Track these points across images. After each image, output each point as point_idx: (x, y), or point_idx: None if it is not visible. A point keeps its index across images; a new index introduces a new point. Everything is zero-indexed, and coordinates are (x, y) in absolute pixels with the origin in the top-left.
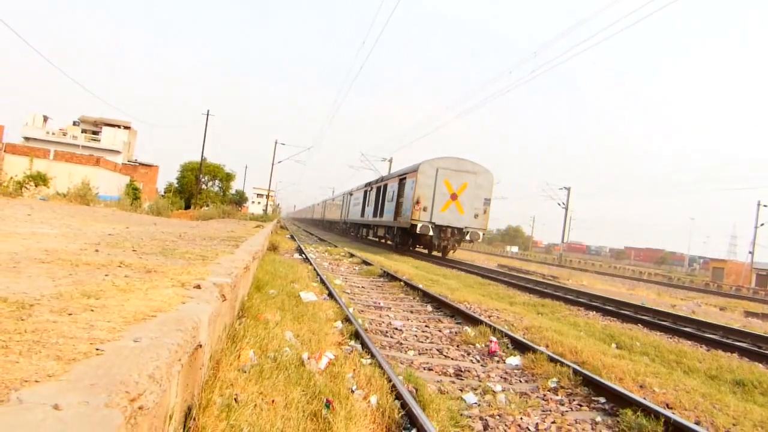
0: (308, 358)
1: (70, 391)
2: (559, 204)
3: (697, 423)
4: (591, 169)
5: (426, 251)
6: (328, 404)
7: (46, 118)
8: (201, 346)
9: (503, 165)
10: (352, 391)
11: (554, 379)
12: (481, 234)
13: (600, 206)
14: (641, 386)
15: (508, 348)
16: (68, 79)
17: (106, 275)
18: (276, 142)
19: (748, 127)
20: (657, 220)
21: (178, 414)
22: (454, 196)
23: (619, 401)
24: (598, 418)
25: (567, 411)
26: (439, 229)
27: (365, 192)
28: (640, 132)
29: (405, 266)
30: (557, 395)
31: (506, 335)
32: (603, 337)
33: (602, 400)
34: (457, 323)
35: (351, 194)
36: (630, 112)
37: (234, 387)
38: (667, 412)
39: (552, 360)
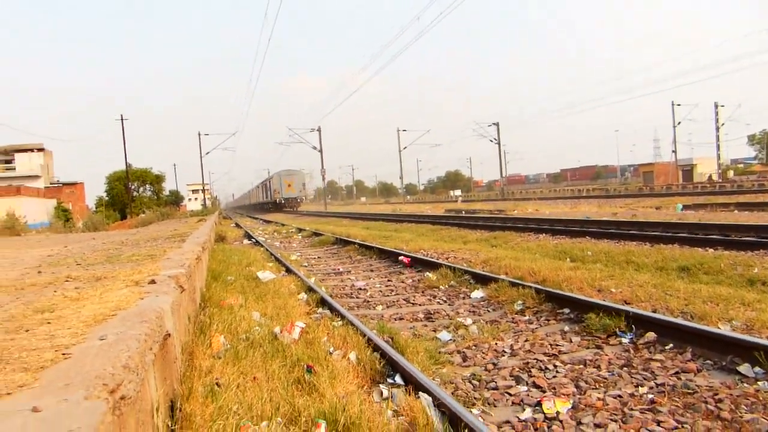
0: (280, 332)
1: (45, 394)
2: (491, 140)
3: (654, 311)
4: (516, 102)
5: (290, 210)
6: (309, 369)
7: None
8: (170, 334)
9: (429, 114)
10: (330, 353)
11: (519, 302)
12: (304, 198)
13: (531, 135)
14: (599, 290)
15: (470, 283)
16: None
17: (55, 291)
18: (200, 134)
19: (653, 33)
20: (585, 138)
21: (163, 406)
22: (289, 185)
23: (581, 308)
24: (566, 328)
25: (537, 328)
26: (285, 199)
27: (262, 186)
28: (552, 58)
29: (355, 230)
30: (525, 316)
31: (467, 272)
32: (556, 254)
33: (567, 310)
34: (417, 271)
35: (258, 187)
36: (539, 39)
37: (212, 373)
38: (626, 307)
39: (513, 285)
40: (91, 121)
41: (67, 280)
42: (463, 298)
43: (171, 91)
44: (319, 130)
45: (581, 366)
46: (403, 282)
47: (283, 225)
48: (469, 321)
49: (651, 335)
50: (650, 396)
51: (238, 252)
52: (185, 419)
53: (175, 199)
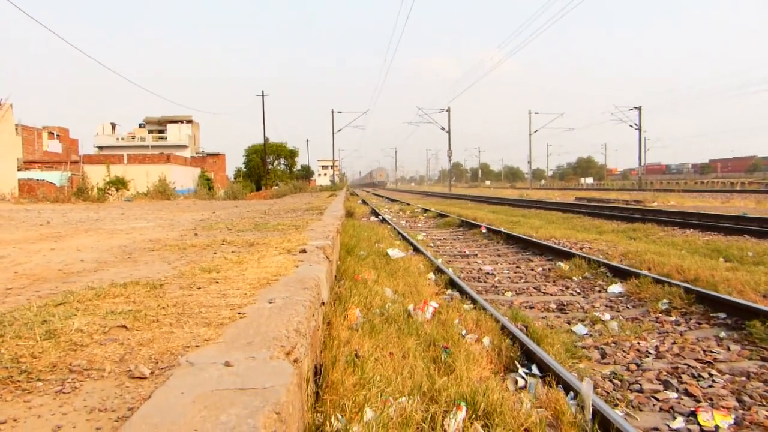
0: (413, 309)
1: (231, 350)
2: (631, 126)
3: None
4: (662, 84)
5: (381, 187)
6: (446, 350)
7: (114, 125)
8: (324, 304)
9: (562, 97)
10: (463, 336)
11: (665, 301)
12: (387, 182)
13: (676, 121)
14: (765, 296)
15: (607, 276)
16: (128, 82)
17: (215, 253)
18: (333, 111)
19: None
20: (741, 125)
21: (311, 373)
22: (381, 174)
23: (742, 314)
24: (722, 334)
25: (685, 330)
26: (378, 182)
27: (368, 174)
28: (708, 34)
29: (481, 213)
30: (671, 316)
31: (603, 264)
32: (707, 252)
33: (722, 315)
34: (548, 260)
35: (367, 173)
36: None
37: (350, 344)
38: None
39: (658, 282)
40: (235, 95)
41: (223, 244)
42: (599, 291)
43: (307, 69)
44: (448, 110)
45: (743, 378)
46: (532, 270)
47: (408, 204)
48: (606, 316)
49: None
50: None
51: (367, 228)
52: (330, 386)
53: (306, 173)
